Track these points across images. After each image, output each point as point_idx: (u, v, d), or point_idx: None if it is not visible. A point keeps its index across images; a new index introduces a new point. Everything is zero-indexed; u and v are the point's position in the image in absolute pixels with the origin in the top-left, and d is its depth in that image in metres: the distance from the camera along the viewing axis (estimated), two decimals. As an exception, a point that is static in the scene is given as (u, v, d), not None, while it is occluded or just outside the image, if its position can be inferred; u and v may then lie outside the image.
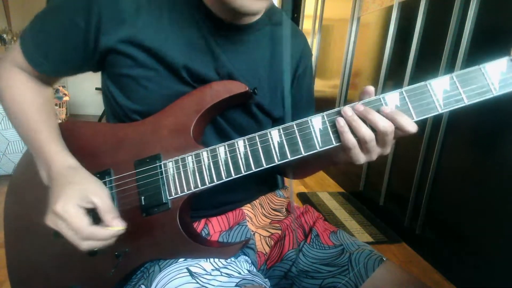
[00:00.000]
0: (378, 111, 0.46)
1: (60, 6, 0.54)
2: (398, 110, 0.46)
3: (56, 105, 3.16)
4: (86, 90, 4.45)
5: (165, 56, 0.53)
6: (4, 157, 2.27)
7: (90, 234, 0.46)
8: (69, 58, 0.56)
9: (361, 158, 0.48)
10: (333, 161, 0.56)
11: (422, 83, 0.46)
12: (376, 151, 0.48)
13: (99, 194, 0.49)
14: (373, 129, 0.46)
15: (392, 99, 0.46)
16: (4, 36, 3.69)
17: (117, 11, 0.51)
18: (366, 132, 0.45)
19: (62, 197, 0.47)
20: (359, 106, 0.46)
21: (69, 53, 0.55)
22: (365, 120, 0.46)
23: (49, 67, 0.57)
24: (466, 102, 0.45)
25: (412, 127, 0.45)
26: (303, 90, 0.69)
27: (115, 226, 0.48)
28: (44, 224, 0.59)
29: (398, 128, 0.45)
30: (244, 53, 0.59)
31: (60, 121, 0.61)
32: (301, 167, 0.70)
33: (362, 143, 0.47)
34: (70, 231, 0.46)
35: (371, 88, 0.48)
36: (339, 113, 0.47)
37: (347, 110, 0.46)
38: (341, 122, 0.47)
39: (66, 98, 3.35)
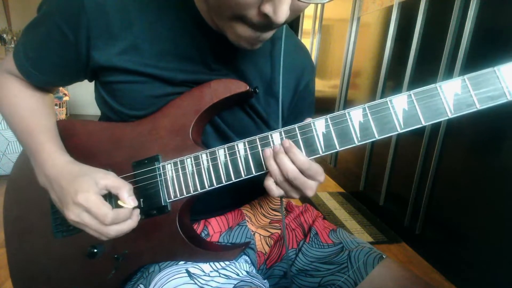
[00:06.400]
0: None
1: (49, 15, 0.50)
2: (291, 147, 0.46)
3: (56, 105, 3.16)
4: (86, 90, 4.44)
5: (161, 75, 0.52)
6: (4, 157, 2.27)
7: (115, 216, 0.47)
8: (61, 70, 0.55)
9: (293, 194, 0.49)
10: None
11: (433, 85, 0.43)
12: (294, 191, 0.48)
13: (108, 178, 0.49)
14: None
15: (399, 102, 0.44)
16: (4, 36, 3.69)
17: (107, 25, 0.49)
18: (289, 167, 0.45)
19: (80, 189, 0.47)
20: (279, 144, 0.47)
21: (61, 66, 0.54)
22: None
23: (42, 78, 0.57)
24: (478, 107, 0.41)
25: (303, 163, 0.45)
26: (304, 106, 0.66)
27: (132, 203, 0.49)
28: (44, 226, 0.60)
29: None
30: (241, 67, 0.57)
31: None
32: None
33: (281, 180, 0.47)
34: (94, 220, 0.46)
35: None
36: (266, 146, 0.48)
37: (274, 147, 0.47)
38: (267, 152, 0.47)
39: (66, 98, 3.35)
